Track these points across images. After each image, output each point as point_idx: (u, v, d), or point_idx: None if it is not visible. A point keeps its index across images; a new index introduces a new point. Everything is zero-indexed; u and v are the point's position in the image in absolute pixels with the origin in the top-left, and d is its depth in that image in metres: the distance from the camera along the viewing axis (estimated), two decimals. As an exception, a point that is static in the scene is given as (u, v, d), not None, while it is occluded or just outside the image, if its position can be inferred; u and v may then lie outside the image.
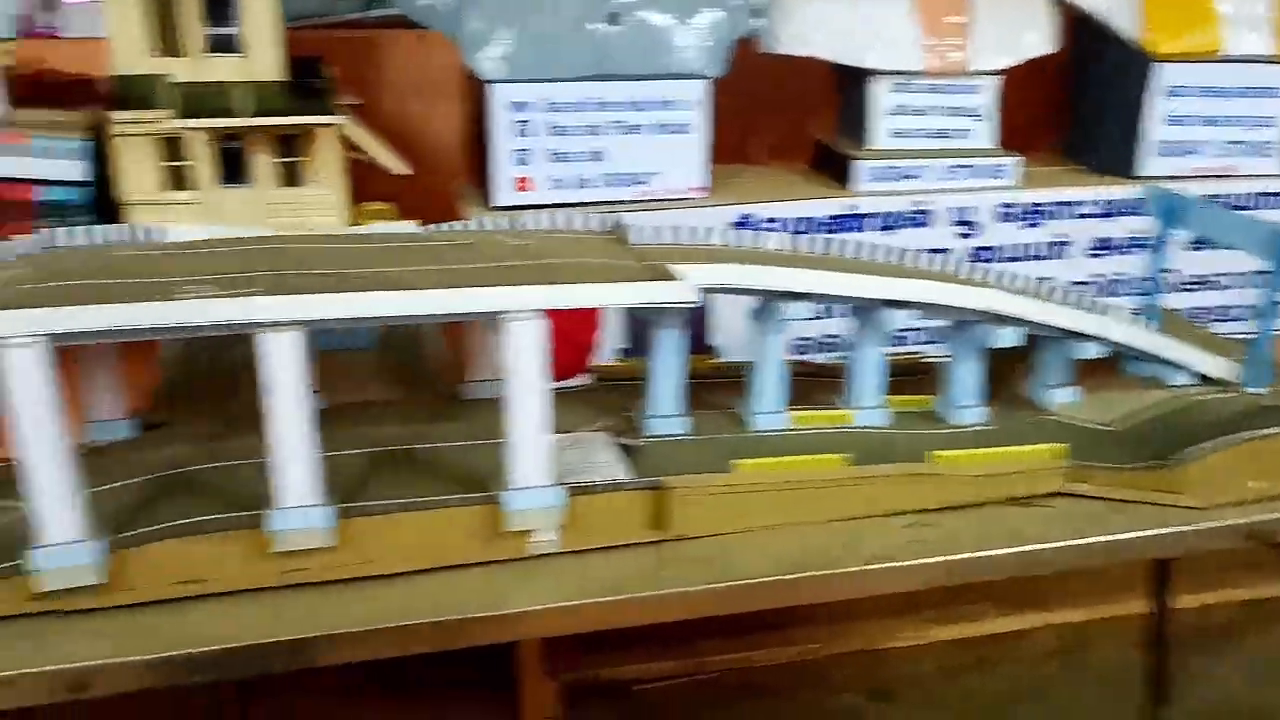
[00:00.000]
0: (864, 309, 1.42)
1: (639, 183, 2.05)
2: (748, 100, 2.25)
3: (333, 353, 1.59)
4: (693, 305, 1.23)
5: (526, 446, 1.19)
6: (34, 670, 1.06)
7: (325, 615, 1.16)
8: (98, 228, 1.40)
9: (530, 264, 1.27)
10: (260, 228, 1.59)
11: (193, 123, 1.90)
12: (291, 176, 2.05)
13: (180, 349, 1.63)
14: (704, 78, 2.03)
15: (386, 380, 1.60)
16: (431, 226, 1.51)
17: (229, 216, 2.01)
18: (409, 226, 1.48)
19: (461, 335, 1.60)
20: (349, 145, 2.01)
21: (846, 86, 2.23)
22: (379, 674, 2.21)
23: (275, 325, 1.11)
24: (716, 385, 1.53)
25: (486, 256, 1.31)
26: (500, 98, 1.95)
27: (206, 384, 1.55)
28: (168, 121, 1.91)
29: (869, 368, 1.45)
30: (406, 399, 1.50)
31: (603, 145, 2.00)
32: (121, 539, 1.15)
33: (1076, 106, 2.41)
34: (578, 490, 1.24)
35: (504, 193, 2.00)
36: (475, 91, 2.37)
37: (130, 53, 1.94)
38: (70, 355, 1.33)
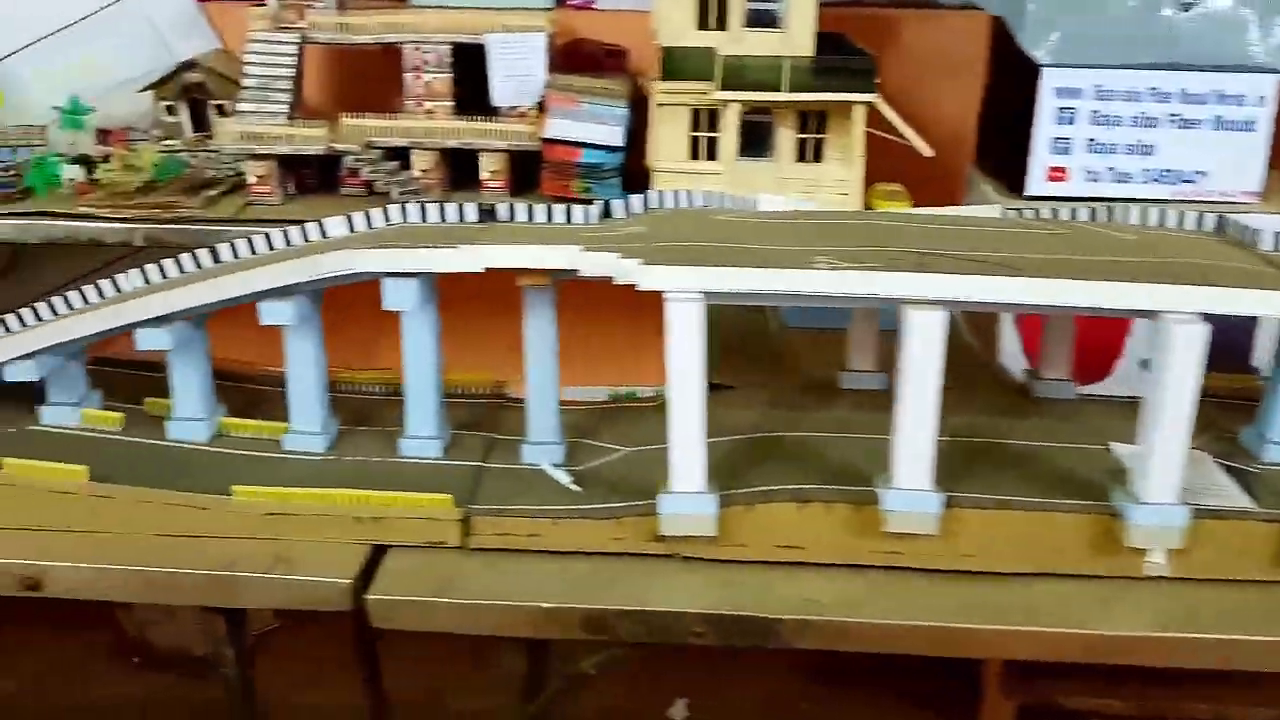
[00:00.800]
0: None
1: (1186, 181, 1.88)
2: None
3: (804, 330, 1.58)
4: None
5: (1162, 458, 1.10)
6: (663, 609, 1.10)
7: (918, 602, 1.13)
8: (694, 192, 1.44)
9: (1161, 261, 1.18)
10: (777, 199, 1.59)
11: (741, 95, 1.94)
12: (811, 152, 2.05)
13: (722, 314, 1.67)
14: (1276, 72, 1.83)
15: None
16: (1010, 213, 1.45)
17: (746, 188, 2.03)
18: (991, 211, 1.42)
19: (990, 325, 1.53)
20: (875, 124, 1.98)
21: None
22: (826, 669, 2.20)
23: (922, 303, 1.09)
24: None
25: (1098, 249, 1.23)
26: (1049, 82, 1.85)
27: (758, 350, 1.57)
28: (714, 93, 1.96)
29: None
30: (971, 389, 1.44)
31: (1154, 138, 1.85)
32: (734, 495, 1.17)
33: None
34: (1203, 513, 1.14)
35: (1036, 181, 1.90)
36: (992, 73, 2.27)
37: (678, 26, 2.00)
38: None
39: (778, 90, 1.95)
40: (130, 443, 1.32)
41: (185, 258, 1.37)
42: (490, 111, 2.14)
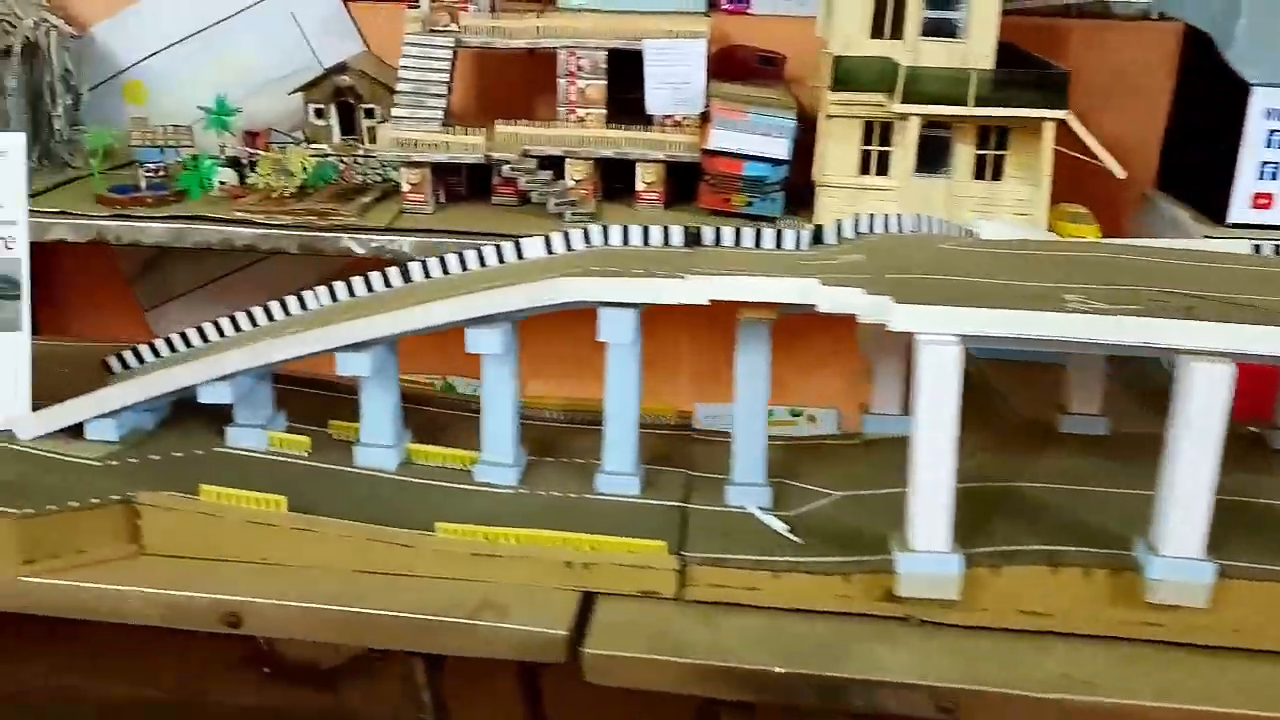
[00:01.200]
0: None
1: (1403, 212, 1.75)
2: None
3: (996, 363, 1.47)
4: None
5: None
6: (911, 681, 1.01)
7: (1189, 683, 1.03)
8: (903, 215, 1.35)
9: None
10: (948, 220, 1.49)
11: (925, 109, 1.85)
12: (990, 169, 1.95)
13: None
14: None
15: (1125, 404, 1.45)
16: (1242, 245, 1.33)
17: (919, 206, 1.93)
18: (1240, 246, 1.31)
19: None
20: (1065, 142, 1.87)
21: None
22: None
23: (1206, 354, 0.99)
24: None
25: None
26: (1260, 103, 1.72)
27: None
28: (894, 105, 1.86)
29: None
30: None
31: (1373, 165, 1.73)
32: (977, 556, 1.08)
33: None
34: None
35: (1240, 208, 1.78)
36: (1181, 90, 2.15)
37: (851, 34, 1.91)
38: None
39: (964, 104, 1.85)
40: (320, 469, 1.26)
41: (375, 276, 1.32)
42: (640, 120, 2.07)
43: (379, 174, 2.13)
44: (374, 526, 1.13)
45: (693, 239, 1.28)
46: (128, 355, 1.38)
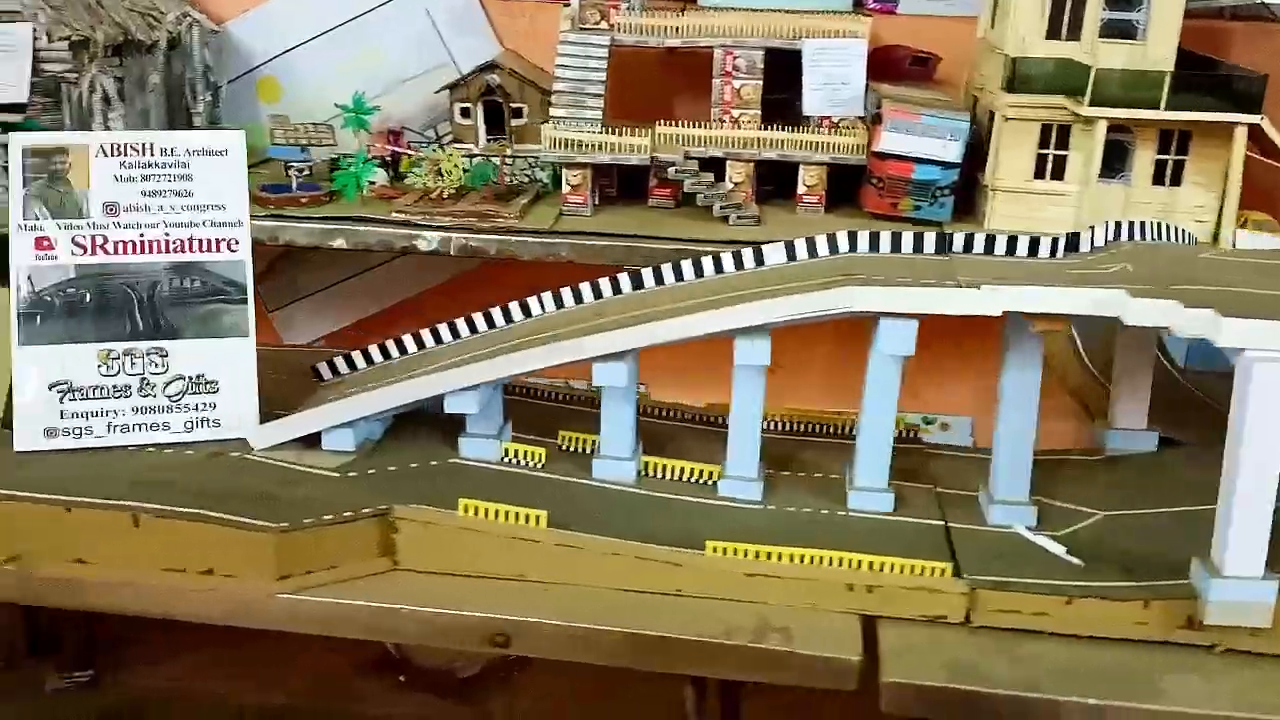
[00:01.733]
0: None
1: None
2: None
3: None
4: None
5: None
6: (1241, 715, 0.97)
7: None
8: (1145, 222, 1.31)
9: None
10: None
11: (1115, 112, 1.79)
12: (1169, 175, 1.90)
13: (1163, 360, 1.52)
14: None
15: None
16: None
17: (1097, 213, 1.87)
18: None
19: None
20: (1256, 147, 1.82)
21: None
22: None
23: None
24: None
25: None
26: None
27: (1171, 395, 1.43)
28: (1082, 108, 1.81)
29: None
30: None
31: None
32: (1287, 581, 1.03)
33: None
34: None
35: None
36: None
37: (1027, 35, 1.86)
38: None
39: (1155, 107, 1.79)
40: (558, 482, 1.22)
41: (604, 282, 1.27)
42: (787, 121, 2.02)
43: (527, 175, 2.08)
44: (644, 545, 1.09)
45: (942, 244, 1.23)
46: (338, 362, 1.34)
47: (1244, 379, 0.97)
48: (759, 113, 2.06)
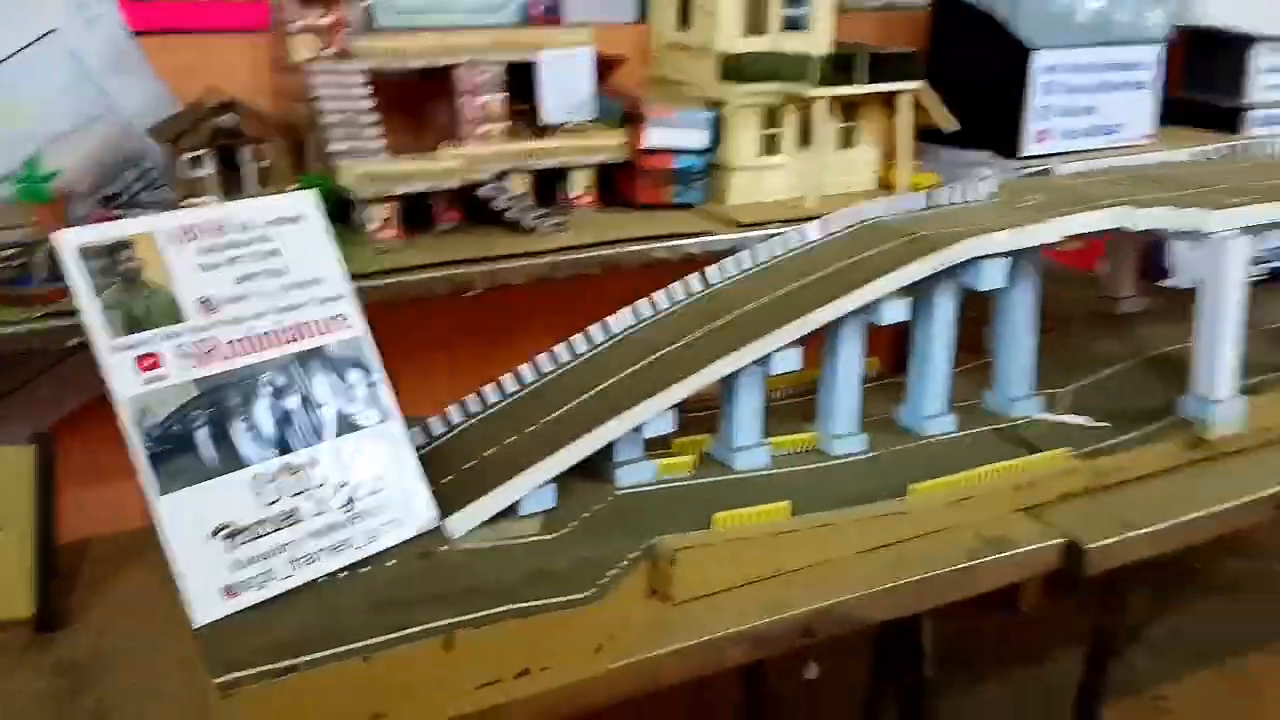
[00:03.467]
0: None
1: (1109, 133, 2.44)
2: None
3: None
4: None
5: None
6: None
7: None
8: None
9: None
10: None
11: (826, 91, 2.13)
12: (847, 140, 2.30)
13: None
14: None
15: None
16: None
17: (804, 176, 2.24)
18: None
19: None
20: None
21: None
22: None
23: None
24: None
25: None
26: (1038, 62, 2.28)
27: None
28: (812, 91, 2.12)
29: None
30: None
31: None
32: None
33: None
34: None
35: (1027, 144, 2.34)
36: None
37: (732, 33, 2.13)
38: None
39: (858, 84, 2.17)
40: (722, 482, 1.23)
41: (683, 284, 1.30)
42: (535, 130, 2.10)
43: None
44: (877, 504, 1.18)
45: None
46: (432, 425, 1.18)
47: (1219, 252, 1.33)
48: (508, 124, 2.09)
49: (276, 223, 1.02)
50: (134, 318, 0.91)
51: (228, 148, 1.89)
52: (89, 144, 1.90)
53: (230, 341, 0.96)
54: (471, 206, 1.99)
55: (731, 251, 1.42)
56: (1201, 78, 2.74)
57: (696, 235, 1.87)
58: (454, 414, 1.19)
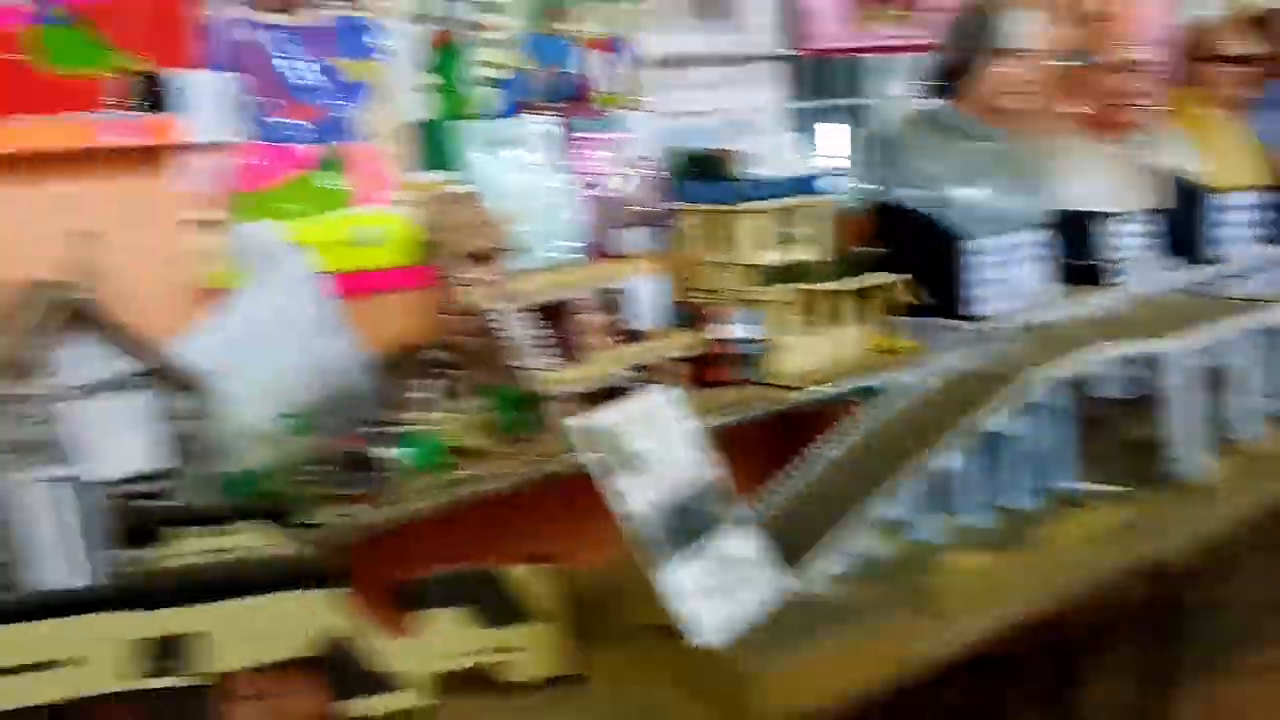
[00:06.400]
0: None
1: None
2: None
3: None
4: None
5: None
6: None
7: None
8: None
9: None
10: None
11: (839, 285, 2.86)
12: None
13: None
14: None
15: None
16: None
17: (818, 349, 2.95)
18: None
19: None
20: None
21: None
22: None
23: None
24: None
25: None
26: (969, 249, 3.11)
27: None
28: (829, 286, 2.87)
29: None
30: None
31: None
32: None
33: None
34: None
35: (968, 307, 3.14)
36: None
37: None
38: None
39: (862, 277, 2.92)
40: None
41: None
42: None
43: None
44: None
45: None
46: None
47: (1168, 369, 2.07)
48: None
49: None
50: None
51: (439, 375, 2.48)
52: (318, 385, 2.42)
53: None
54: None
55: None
56: (1069, 245, 3.62)
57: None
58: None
